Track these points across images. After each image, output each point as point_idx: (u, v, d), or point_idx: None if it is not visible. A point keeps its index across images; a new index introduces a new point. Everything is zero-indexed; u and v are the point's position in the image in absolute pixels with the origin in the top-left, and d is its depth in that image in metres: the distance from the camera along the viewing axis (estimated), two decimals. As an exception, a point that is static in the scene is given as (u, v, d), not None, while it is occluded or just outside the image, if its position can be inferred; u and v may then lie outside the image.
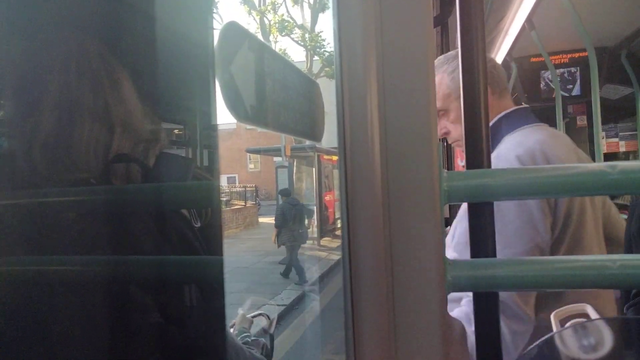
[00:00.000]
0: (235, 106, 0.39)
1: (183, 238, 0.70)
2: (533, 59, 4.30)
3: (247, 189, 18.63)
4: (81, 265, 0.60)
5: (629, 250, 1.10)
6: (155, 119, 0.73)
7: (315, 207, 12.89)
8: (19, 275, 0.60)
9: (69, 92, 0.65)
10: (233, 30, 0.42)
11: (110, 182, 0.66)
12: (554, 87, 4.03)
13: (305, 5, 18.24)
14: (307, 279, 8.24)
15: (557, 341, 0.56)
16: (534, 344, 0.55)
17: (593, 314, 0.66)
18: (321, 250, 11.66)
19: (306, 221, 8.90)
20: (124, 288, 0.62)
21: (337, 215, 13.56)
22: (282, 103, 0.49)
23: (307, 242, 12.31)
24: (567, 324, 0.59)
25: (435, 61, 1.28)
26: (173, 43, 0.67)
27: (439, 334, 0.41)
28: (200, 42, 0.69)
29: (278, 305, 6.68)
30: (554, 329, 0.62)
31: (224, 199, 16.58)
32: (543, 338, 0.55)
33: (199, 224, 0.74)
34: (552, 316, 0.81)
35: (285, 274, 8.44)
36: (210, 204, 0.71)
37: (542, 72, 4.35)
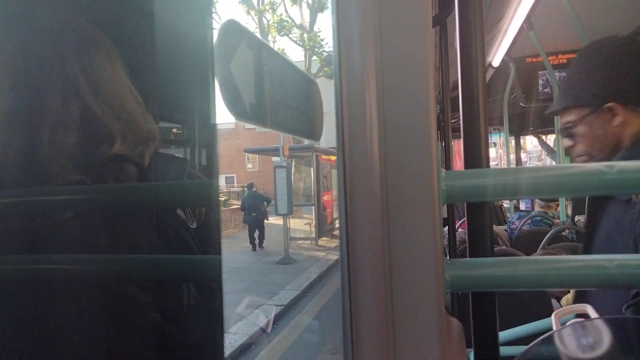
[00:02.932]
0: (233, 104, 0.39)
1: (179, 239, 0.69)
2: (532, 59, 4.31)
3: (245, 189, 18.61)
4: (76, 264, 0.60)
5: (635, 250, 1.10)
6: (151, 118, 0.73)
7: (313, 207, 12.92)
8: (15, 275, 0.59)
9: (62, 90, 0.64)
10: (232, 28, 0.42)
11: (104, 183, 0.66)
12: (552, 87, 4.04)
13: (304, 4, 18.24)
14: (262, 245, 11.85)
15: (556, 340, 0.56)
16: (533, 342, 0.55)
17: (593, 315, 0.66)
18: (319, 250, 11.66)
19: (265, 207, 12.08)
20: (119, 287, 0.61)
21: (335, 215, 13.56)
22: (281, 101, 0.49)
23: (305, 242, 12.47)
24: (567, 324, 0.59)
25: None
26: (171, 41, 0.66)
27: (438, 333, 0.41)
28: (198, 40, 0.69)
29: (276, 305, 6.68)
30: (554, 328, 0.62)
31: (222, 198, 16.59)
32: (542, 337, 0.55)
33: (195, 225, 0.74)
34: (552, 316, 0.81)
35: (259, 244, 11.78)
36: (208, 204, 0.71)
37: (540, 72, 4.36)
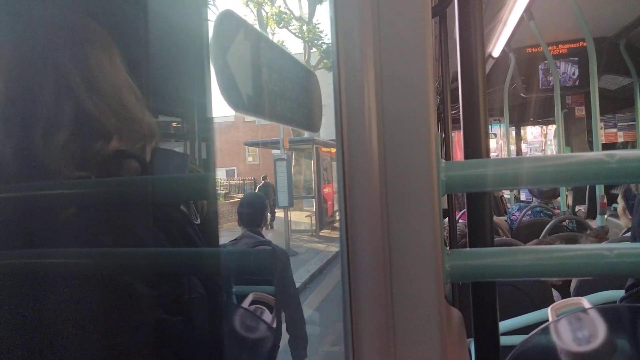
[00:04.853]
0: (230, 95, 0.39)
1: (184, 235, 0.69)
2: (532, 49, 4.28)
3: (245, 182, 18.61)
4: (75, 258, 0.60)
5: (634, 241, 1.10)
6: (150, 113, 0.72)
7: (314, 200, 12.95)
8: (13, 269, 0.59)
9: (60, 85, 0.64)
10: (229, 18, 0.41)
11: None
12: (552, 77, 4.03)
13: (303, -4, 18.09)
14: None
15: (552, 332, 0.56)
16: (533, 332, 0.56)
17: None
18: (320, 243, 11.69)
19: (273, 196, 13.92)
20: (117, 280, 0.61)
21: (336, 207, 13.55)
22: (279, 93, 0.49)
23: (306, 234, 12.64)
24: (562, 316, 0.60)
25: None
26: (170, 34, 0.66)
27: (438, 323, 0.41)
28: (198, 33, 0.69)
29: (278, 297, 6.69)
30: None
31: (223, 192, 16.63)
32: (542, 326, 0.56)
33: (198, 221, 0.74)
34: (549, 309, 0.81)
35: (270, 225, 12.79)
36: (205, 197, 0.71)
37: (541, 63, 4.34)
